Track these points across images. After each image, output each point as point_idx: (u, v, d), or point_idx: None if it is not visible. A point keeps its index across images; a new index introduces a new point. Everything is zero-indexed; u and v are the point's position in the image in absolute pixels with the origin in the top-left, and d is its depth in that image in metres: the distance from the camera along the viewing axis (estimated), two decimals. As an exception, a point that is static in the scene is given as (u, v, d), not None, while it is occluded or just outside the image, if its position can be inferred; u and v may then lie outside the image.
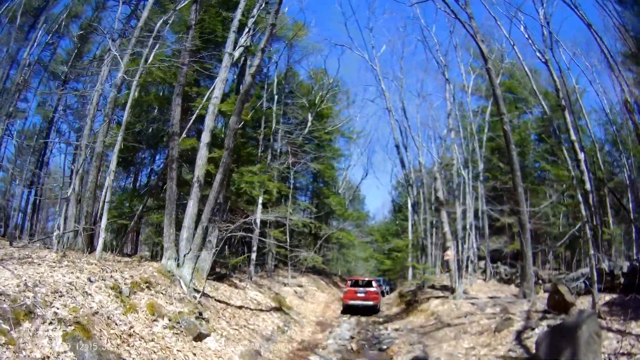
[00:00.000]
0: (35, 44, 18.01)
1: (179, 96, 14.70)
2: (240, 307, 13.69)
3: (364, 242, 50.45)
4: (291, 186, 27.81)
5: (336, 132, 40.30)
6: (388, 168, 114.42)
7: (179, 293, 10.66)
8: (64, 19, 19.68)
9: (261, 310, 14.83)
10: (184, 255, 12.12)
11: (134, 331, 8.17)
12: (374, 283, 22.71)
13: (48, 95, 21.39)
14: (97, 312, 7.37)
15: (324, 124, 34.30)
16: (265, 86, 28.67)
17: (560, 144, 30.78)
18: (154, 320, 8.99)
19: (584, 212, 21.41)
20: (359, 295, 21.23)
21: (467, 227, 19.27)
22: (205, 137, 14.64)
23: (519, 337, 11.09)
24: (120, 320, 8.11)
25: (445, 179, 39.39)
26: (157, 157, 23.96)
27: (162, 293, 10.23)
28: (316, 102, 33.13)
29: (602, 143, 30.54)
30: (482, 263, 27.31)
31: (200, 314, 9.92)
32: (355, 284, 22.97)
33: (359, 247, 47.29)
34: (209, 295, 12.92)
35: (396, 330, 16.49)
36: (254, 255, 20.13)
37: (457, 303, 16.93)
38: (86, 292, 7.77)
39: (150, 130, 21.22)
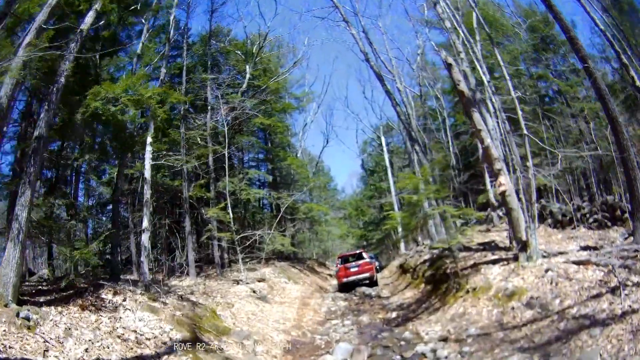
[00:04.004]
0: None
1: None
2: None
3: (336, 218, 44.03)
4: (226, 144, 18.96)
5: (284, 91, 32.09)
6: (352, 126, 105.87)
7: None
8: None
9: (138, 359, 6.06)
10: None
11: None
12: (364, 254, 20.60)
13: None
14: None
15: (266, 79, 26.29)
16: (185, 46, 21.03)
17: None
18: None
19: None
20: (352, 270, 19.01)
21: (524, 128, 10.82)
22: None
23: None
24: None
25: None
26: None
27: None
28: (253, 51, 24.84)
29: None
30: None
31: None
32: (346, 260, 20.72)
33: (333, 224, 40.16)
34: None
35: (444, 340, 8.10)
36: (145, 239, 10.93)
37: (551, 267, 8.67)
38: None
39: None
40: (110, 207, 18.42)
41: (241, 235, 18.83)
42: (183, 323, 7.82)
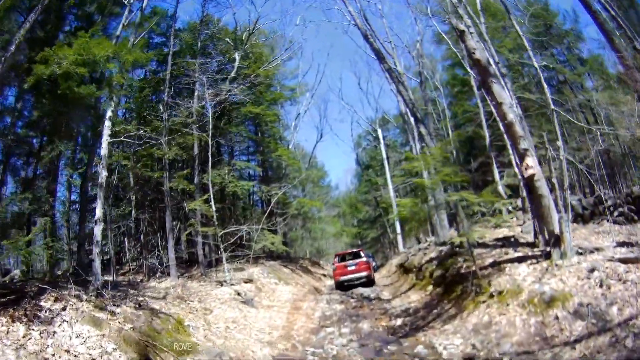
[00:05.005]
0: None
1: None
2: None
3: (330, 216, 42.69)
4: (210, 128, 17.26)
5: (276, 82, 30.73)
6: (346, 119, 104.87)
7: None
8: None
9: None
10: None
11: None
12: (362, 253, 20.19)
13: None
14: None
15: (257, 66, 24.50)
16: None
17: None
18: None
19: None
20: (349, 269, 18.92)
21: (551, 103, 9.21)
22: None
23: None
24: None
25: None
26: None
27: None
28: (243, 38, 23.25)
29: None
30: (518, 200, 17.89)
31: None
32: (343, 258, 20.37)
33: (327, 222, 38.74)
34: None
35: (471, 359, 6.48)
36: (98, 232, 9.02)
37: (596, 266, 7.09)
38: None
39: None
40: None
41: (225, 231, 17.11)
42: (131, 340, 6.08)
